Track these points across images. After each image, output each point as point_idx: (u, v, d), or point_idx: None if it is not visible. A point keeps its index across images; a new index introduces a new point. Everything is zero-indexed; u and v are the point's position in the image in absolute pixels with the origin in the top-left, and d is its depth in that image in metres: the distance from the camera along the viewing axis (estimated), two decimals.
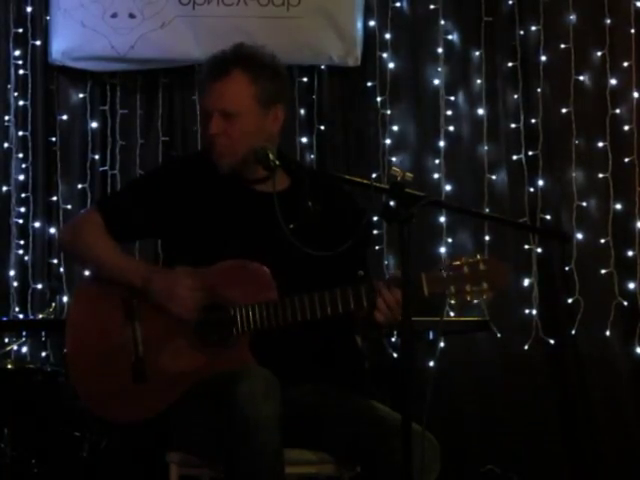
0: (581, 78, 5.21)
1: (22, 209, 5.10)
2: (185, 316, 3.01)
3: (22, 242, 5.08)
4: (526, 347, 5.09)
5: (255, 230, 3.09)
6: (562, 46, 5.20)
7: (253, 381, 2.81)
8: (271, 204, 2.92)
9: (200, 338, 3.01)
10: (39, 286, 5.06)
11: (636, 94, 5.17)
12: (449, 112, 5.23)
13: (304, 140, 5.21)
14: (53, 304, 4.81)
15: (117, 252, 3.12)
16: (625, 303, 5.09)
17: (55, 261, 5.08)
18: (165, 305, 3.01)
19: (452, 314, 4.69)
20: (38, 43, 5.14)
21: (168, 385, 3.01)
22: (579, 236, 5.14)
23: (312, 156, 5.20)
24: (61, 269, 5.05)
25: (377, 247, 5.06)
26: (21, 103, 5.13)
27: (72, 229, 3.25)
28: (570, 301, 5.11)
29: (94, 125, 5.18)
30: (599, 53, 5.20)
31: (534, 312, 5.12)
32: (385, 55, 5.24)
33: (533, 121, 5.21)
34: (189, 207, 3.12)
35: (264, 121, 3.12)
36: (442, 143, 5.22)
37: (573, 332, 5.11)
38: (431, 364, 4.77)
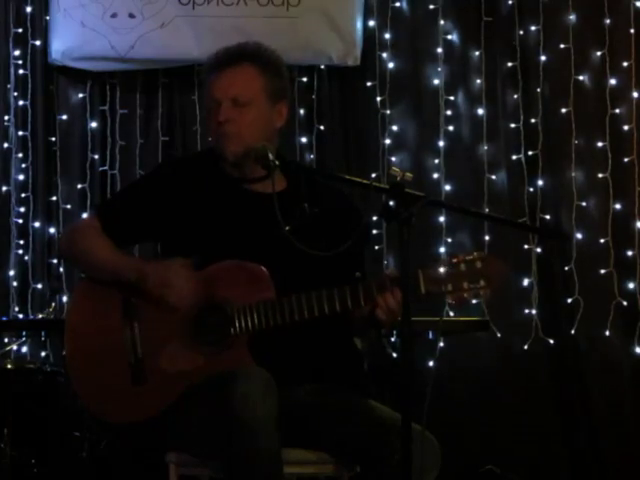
0: (581, 78, 5.21)
1: (22, 209, 5.10)
2: (182, 304, 2.99)
3: (22, 242, 5.08)
4: (526, 347, 5.10)
5: (253, 231, 3.08)
6: (562, 46, 5.20)
7: (250, 382, 2.81)
8: (269, 205, 2.91)
9: (198, 338, 3.01)
10: (39, 286, 5.06)
11: (636, 94, 5.16)
12: (449, 112, 5.23)
13: (304, 140, 5.21)
14: (53, 304, 4.81)
15: (112, 250, 3.11)
16: (625, 303, 5.09)
17: (55, 261, 5.08)
18: (161, 295, 2.99)
19: (452, 314, 4.69)
20: (38, 43, 5.14)
21: (167, 386, 3.00)
22: (579, 236, 5.14)
23: (312, 156, 5.20)
24: (61, 269, 5.05)
25: (377, 247, 5.07)
26: (21, 103, 5.13)
27: (69, 235, 3.28)
28: (570, 301, 5.11)
29: (94, 125, 5.18)
30: (599, 53, 5.20)
31: (534, 312, 5.12)
32: (385, 55, 5.24)
33: (533, 121, 5.21)
34: (187, 209, 3.12)
35: (270, 115, 3.13)
36: (442, 143, 5.22)
37: (573, 332, 5.11)
38: (431, 364, 4.77)
